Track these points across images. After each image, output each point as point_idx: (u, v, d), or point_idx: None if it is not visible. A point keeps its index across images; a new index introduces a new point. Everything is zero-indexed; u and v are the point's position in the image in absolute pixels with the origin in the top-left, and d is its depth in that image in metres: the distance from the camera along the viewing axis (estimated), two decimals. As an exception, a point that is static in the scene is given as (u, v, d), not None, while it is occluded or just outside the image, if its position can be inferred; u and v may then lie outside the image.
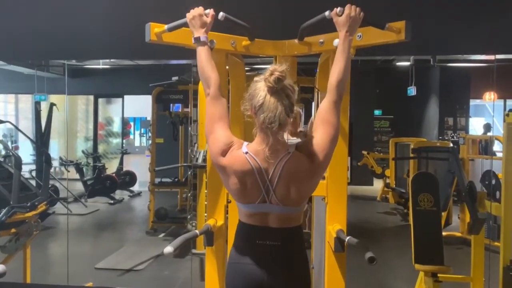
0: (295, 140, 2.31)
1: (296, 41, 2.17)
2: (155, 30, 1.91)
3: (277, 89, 1.44)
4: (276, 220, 1.54)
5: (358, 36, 1.93)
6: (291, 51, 2.24)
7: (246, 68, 2.62)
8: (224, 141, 1.56)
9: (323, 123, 1.55)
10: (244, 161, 1.51)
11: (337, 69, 1.58)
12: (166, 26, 1.90)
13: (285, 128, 1.48)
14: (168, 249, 1.67)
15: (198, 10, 1.73)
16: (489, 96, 8.93)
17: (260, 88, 1.47)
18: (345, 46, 1.61)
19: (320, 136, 1.53)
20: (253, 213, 1.55)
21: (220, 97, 1.64)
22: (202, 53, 1.70)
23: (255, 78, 1.51)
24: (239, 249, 1.58)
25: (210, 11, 1.74)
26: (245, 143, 1.56)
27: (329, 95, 1.57)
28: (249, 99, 1.51)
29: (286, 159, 1.49)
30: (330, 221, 2.13)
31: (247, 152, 1.52)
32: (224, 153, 1.55)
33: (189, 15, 1.74)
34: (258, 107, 1.46)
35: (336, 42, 1.85)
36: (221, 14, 1.83)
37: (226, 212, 2.27)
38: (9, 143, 8.09)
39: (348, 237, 1.92)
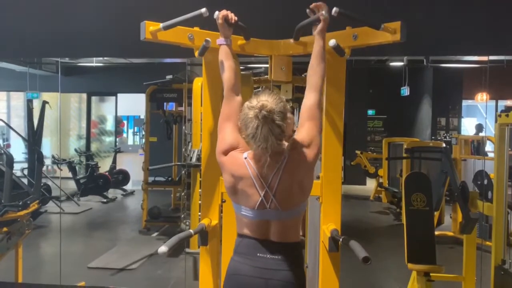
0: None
1: (291, 41, 2.17)
2: (150, 28, 1.91)
3: (267, 121, 1.50)
4: (276, 231, 1.57)
5: (353, 36, 1.94)
6: (287, 51, 2.25)
7: (241, 67, 2.63)
8: (230, 143, 1.64)
9: (310, 118, 1.63)
10: (242, 165, 1.57)
11: (319, 71, 1.69)
12: (161, 25, 1.89)
13: (280, 151, 1.54)
14: (163, 249, 1.67)
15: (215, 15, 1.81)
16: (481, 97, 9.01)
17: (250, 118, 1.51)
18: (324, 48, 1.73)
19: (308, 130, 1.61)
20: (253, 221, 1.58)
21: (232, 97, 1.71)
22: (219, 53, 1.82)
23: (248, 104, 1.55)
24: (238, 261, 1.59)
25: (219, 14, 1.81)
26: (248, 151, 1.60)
27: (314, 94, 1.66)
28: (243, 125, 1.56)
29: (284, 164, 1.55)
30: (325, 221, 2.13)
31: (246, 157, 1.58)
32: (226, 152, 1.63)
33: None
34: (251, 136, 1.52)
35: (332, 42, 1.86)
36: (216, 13, 1.83)
37: (221, 211, 2.27)
38: (1, 141, 8.01)
39: (342, 237, 1.92)
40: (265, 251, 1.56)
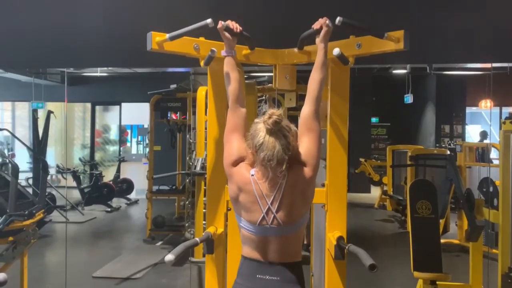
0: None
1: (295, 50, 2.19)
2: (156, 39, 1.93)
3: (275, 130, 1.54)
4: (276, 249, 1.58)
5: (357, 45, 1.96)
6: (291, 60, 2.26)
7: (244, 76, 2.65)
8: (237, 154, 1.66)
9: (307, 130, 1.65)
10: (248, 182, 1.60)
11: (320, 80, 1.70)
12: (167, 35, 1.91)
13: (283, 164, 1.55)
14: (169, 257, 1.67)
15: (219, 26, 1.81)
16: (485, 104, 9.00)
17: (260, 129, 1.57)
18: (326, 57, 1.74)
19: (307, 143, 1.63)
20: (254, 237, 1.60)
21: (237, 108, 1.73)
22: (224, 65, 1.83)
23: (256, 120, 1.61)
24: (240, 283, 1.63)
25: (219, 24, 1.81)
26: (255, 169, 1.62)
27: (312, 104, 1.68)
28: (251, 139, 1.60)
29: (286, 180, 1.57)
30: (330, 228, 2.13)
31: (253, 175, 1.60)
32: (235, 163, 1.65)
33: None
34: (258, 146, 1.55)
35: (336, 51, 1.88)
36: (221, 23, 1.85)
37: (226, 219, 2.27)
38: (6, 151, 8.06)
39: (348, 245, 1.92)
40: (264, 273, 1.58)
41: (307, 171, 1.59)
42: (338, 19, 1.76)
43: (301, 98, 3.53)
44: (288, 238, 1.58)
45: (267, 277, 1.57)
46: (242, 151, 1.65)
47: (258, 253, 1.59)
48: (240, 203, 1.61)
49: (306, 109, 1.67)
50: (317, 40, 1.77)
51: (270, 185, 1.56)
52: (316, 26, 1.77)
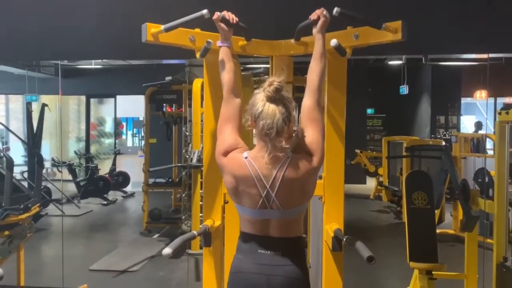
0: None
1: (292, 41, 2.17)
2: (151, 30, 1.90)
3: (275, 98, 1.51)
4: (277, 228, 1.57)
5: (354, 36, 1.95)
6: (288, 51, 2.25)
7: (240, 68, 2.63)
8: (229, 144, 1.62)
9: (311, 121, 1.61)
10: (243, 165, 1.55)
11: (319, 70, 1.67)
12: (162, 27, 1.89)
13: (283, 136, 1.53)
14: (167, 250, 1.67)
15: (215, 17, 1.79)
16: (480, 94, 9.04)
17: (259, 98, 1.54)
18: (324, 47, 1.72)
19: (311, 134, 1.59)
20: (254, 219, 1.58)
21: (232, 98, 1.70)
22: (219, 55, 1.80)
23: (255, 91, 1.58)
24: (241, 258, 1.61)
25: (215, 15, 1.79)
26: (248, 151, 1.60)
27: (313, 95, 1.64)
28: (249, 109, 1.57)
29: (287, 164, 1.54)
30: (328, 220, 2.13)
31: (247, 157, 1.56)
32: (226, 153, 1.61)
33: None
34: (258, 114, 1.52)
35: (333, 42, 1.86)
36: (217, 14, 1.83)
37: (223, 212, 2.26)
38: (0, 145, 8.01)
39: (345, 236, 1.92)
40: (266, 247, 1.56)
41: (313, 160, 1.55)
42: (335, 9, 1.74)
43: (297, 89, 3.53)
44: (288, 219, 1.57)
45: (269, 251, 1.56)
46: (234, 141, 1.62)
47: (259, 229, 1.58)
48: (239, 192, 1.57)
49: (308, 101, 1.63)
50: (314, 30, 1.75)
51: (269, 159, 1.51)
52: (313, 16, 1.75)
